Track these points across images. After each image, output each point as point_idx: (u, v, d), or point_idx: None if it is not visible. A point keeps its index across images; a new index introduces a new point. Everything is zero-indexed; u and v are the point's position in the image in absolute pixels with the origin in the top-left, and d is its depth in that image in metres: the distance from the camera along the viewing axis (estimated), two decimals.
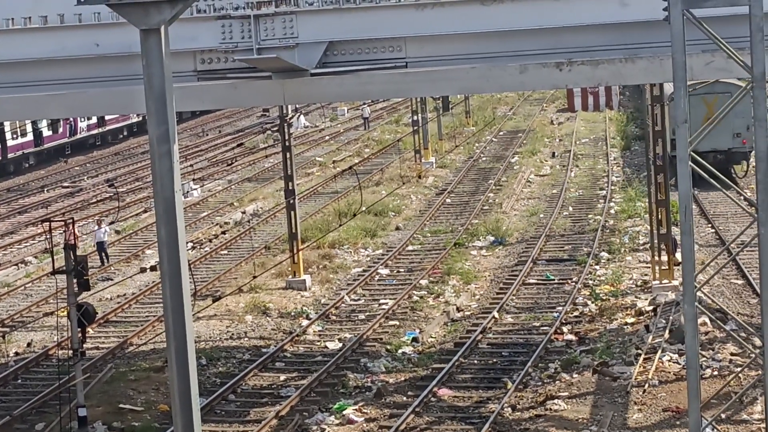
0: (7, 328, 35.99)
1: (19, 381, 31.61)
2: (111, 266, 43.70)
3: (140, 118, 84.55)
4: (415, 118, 63.82)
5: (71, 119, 74.09)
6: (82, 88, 21.76)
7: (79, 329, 27.07)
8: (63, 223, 29.65)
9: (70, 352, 27.18)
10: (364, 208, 45.51)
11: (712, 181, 18.28)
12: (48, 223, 29.48)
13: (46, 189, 64.47)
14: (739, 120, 49.82)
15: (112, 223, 49.79)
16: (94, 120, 78.36)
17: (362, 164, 62.91)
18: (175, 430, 13.74)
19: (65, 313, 28.14)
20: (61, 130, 73.63)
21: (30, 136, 70.27)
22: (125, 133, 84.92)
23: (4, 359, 33.38)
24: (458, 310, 36.71)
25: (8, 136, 66.94)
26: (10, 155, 68.46)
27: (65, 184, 66.02)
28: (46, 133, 71.99)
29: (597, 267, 40.89)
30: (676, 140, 17.52)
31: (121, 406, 28.95)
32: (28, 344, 34.53)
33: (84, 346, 27.75)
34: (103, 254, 44.02)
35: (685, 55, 17.06)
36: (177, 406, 13.86)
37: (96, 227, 44.32)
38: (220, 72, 21.87)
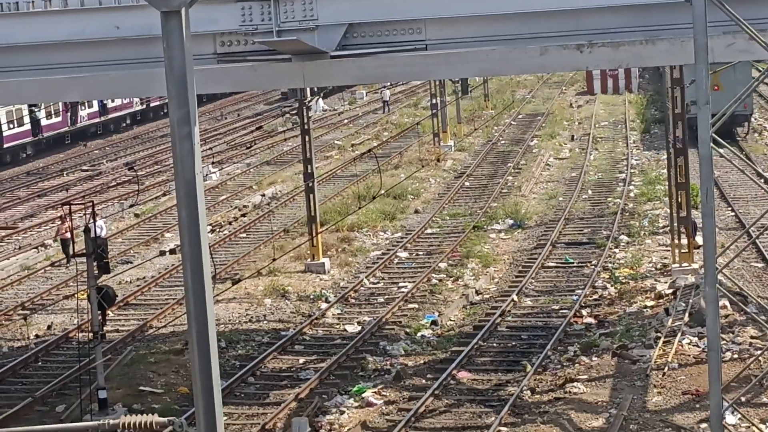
0: (28, 311, 36.14)
1: (40, 363, 31.74)
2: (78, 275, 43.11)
3: (144, 106, 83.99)
4: (434, 101, 63.73)
5: (70, 108, 72.64)
6: (103, 70, 21.76)
7: (99, 312, 27.17)
8: (83, 206, 29.71)
9: (91, 334, 27.29)
10: (383, 192, 45.49)
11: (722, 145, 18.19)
12: (68, 206, 29.61)
13: (65, 172, 64.61)
14: (741, 86, 50.32)
15: (132, 206, 49.92)
16: (95, 108, 76.78)
17: (381, 147, 62.86)
18: (197, 413, 13.72)
19: (85, 296, 28.23)
20: (60, 118, 72.08)
21: (27, 126, 68.35)
22: (128, 122, 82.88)
23: (25, 342, 33.53)
24: (477, 293, 36.68)
25: (5, 126, 65.32)
26: (6, 145, 66.52)
27: (84, 168, 66.15)
28: (45, 122, 70.28)
29: (616, 250, 40.81)
30: (697, 122, 17.43)
31: (141, 388, 29.06)
32: (49, 327, 34.66)
33: (104, 328, 27.85)
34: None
35: (707, 36, 16.98)
36: (198, 389, 13.83)
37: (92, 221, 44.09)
38: (240, 54, 21.85)
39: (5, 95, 23.67)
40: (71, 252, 41.11)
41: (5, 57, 21.72)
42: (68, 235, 41.47)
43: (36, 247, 44.66)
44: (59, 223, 43.01)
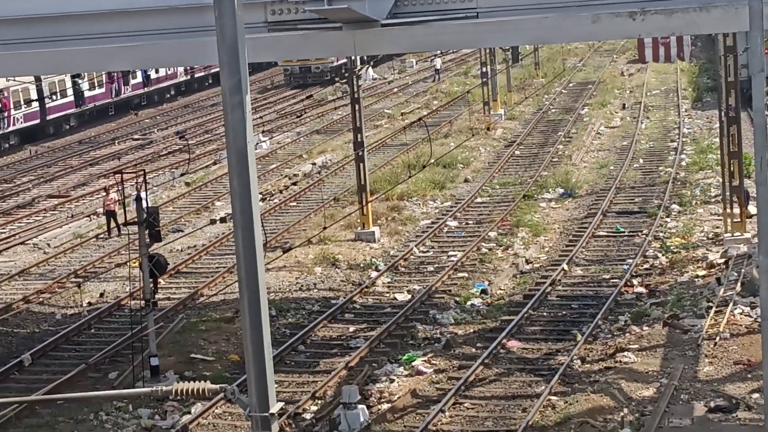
0: (81, 278, 36.44)
1: (93, 330, 32.04)
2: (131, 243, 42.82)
3: (188, 77, 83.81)
4: (485, 69, 63.47)
5: (115, 79, 72.68)
6: (154, 39, 21.80)
7: (150, 280, 27.36)
8: (134, 174, 29.86)
9: (142, 302, 27.50)
10: (432, 160, 45.41)
11: None
12: (120, 174, 29.79)
13: (117, 141, 64.98)
14: None
15: (183, 174, 50.14)
16: (139, 79, 76.64)
17: (431, 116, 62.71)
18: (248, 380, 13.80)
19: (137, 264, 28.43)
20: (104, 90, 71.99)
21: (71, 97, 68.28)
22: (172, 93, 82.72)
23: (78, 309, 33.83)
24: (527, 262, 36.60)
25: (47, 98, 65.21)
26: (49, 117, 66.34)
27: (136, 137, 66.49)
28: (88, 93, 70.12)
29: (668, 219, 40.57)
30: (751, 88, 17.24)
31: (193, 355, 29.25)
32: (101, 294, 34.95)
33: (155, 296, 28.05)
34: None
35: (762, 2, 16.77)
36: (250, 356, 13.90)
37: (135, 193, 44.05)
38: (291, 23, 21.82)
39: (57, 64, 23.78)
40: (116, 224, 41.59)
41: (57, 27, 21.81)
42: (112, 206, 41.78)
43: (88, 216, 44.99)
44: (104, 195, 43.24)
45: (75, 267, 38.19)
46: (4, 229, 45.46)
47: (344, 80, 42.55)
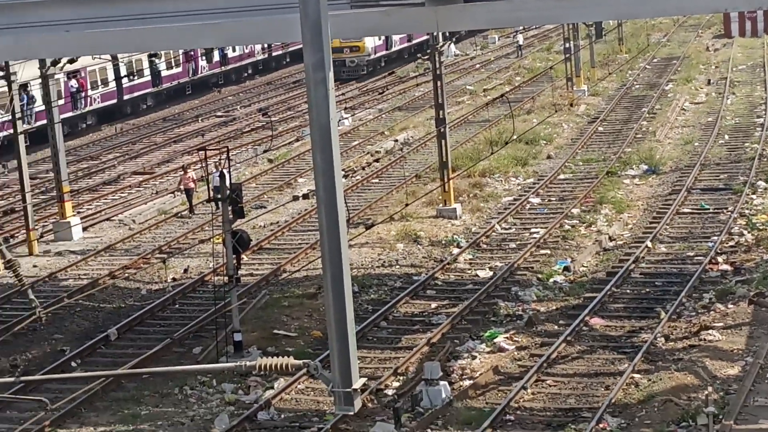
0: (165, 254, 36.83)
1: (177, 306, 32.37)
2: (214, 219, 42.79)
3: (266, 56, 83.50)
4: (567, 45, 62.99)
5: (192, 58, 72.34)
6: (239, 17, 21.89)
7: (234, 256, 27.58)
8: (218, 151, 30.04)
9: (226, 278, 27.73)
10: (515, 137, 45.19)
11: None
12: (203, 151, 30.03)
13: (200, 118, 65.45)
14: None
15: (266, 151, 50.41)
16: (216, 59, 76.05)
17: (513, 92, 62.42)
18: (331, 355, 13.91)
19: (221, 240, 28.66)
20: (180, 69, 71.39)
21: (148, 77, 67.98)
22: (249, 71, 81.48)
23: (163, 285, 34.20)
24: (610, 239, 36.33)
25: (125, 78, 65.06)
26: (126, 97, 66.31)
27: (219, 114, 66.91)
28: (165, 73, 69.67)
29: (754, 196, 40.04)
30: None
31: (275, 331, 29.45)
32: (185, 270, 35.28)
33: (239, 272, 28.26)
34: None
35: None
36: (333, 332, 14.02)
37: (214, 171, 43.79)
38: (374, 0, 21.81)
39: (143, 42, 23.98)
40: (189, 204, 41.83)
41: (146, 4, 21.97)
42: (191, 185, 42.06)
43: (172, 192, 45.41)
44: (182, 173, 43.59)
45: (159, 243, 38.61)
46: (90, 205, 46.07)
47: (426, 57, 42.44)
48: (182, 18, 22.16)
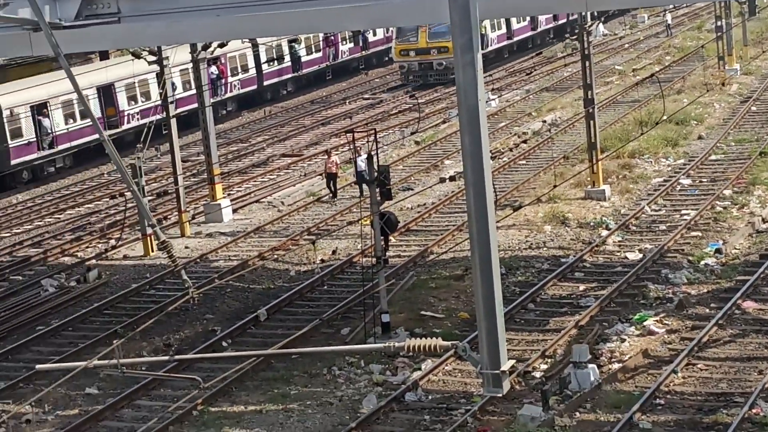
0: (314, 236, 37.20)
1: (326, 287, 32.67)
2: (362, 201, 42.09)
3: None
4: (719, 23, 61.72)
5: (333, 43, 71.70)
6: None
7: (381, 237, 27.72)
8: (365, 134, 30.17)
9: (374, 259, 27.89)
10: (665, 117, 44.44)
11: None
12: (351, 134, 30.22)
13: (347, 101, 65.83)
14: None
15: (413, 133, 50.51)
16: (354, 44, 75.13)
17: (663, 72, 61.38)
18: (479, 337, 13.89)
19: (369, 221, 28.82)
20: (320, 54, 71.15)
21: (288, 62, 67.65)
22: (390, 56, 78.14)
23: (311, 266, 34.54)
24: (764, 221, 35.53)
25: (264, 64, 64.98)
26: (266, 82, 66.09)
27: (366, 96, 67.19)
28: (305, 58, 69.35)
29: None
30: None
31: (423, 312, 29.53)
32: (333, 252, 35.58)
33: (387, 254, 28.39)
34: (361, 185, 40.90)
35: None
36: (481, 314, 14.00)
37: (357, 155, 43.60)
38: None
39: (294, 24, 24.15)
40: (333, 188, 42.02)
41: None
42: (334, 169, 42.25)
43: (320, 174, 45.79)
44: (325, 157, 43.68)
45: (308, 225, 39.01)
46: (240, 187, 46.77)
47: (574, 36, 42.04)
48: (330, 0, 22.27)
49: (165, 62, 39.03)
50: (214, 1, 22.40)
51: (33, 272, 36.81)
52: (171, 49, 38.80)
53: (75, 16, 22.41)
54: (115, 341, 17.63)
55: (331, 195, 42.57)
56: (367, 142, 28.12)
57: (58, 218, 44.21)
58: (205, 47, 40.23)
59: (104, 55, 59.45)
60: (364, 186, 39.44)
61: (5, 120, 48.71)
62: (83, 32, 22.89)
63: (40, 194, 49.20)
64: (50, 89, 49.15)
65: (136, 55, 39.44)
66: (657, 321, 27.57)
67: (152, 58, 39.01)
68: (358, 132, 32.13)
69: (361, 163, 41.09)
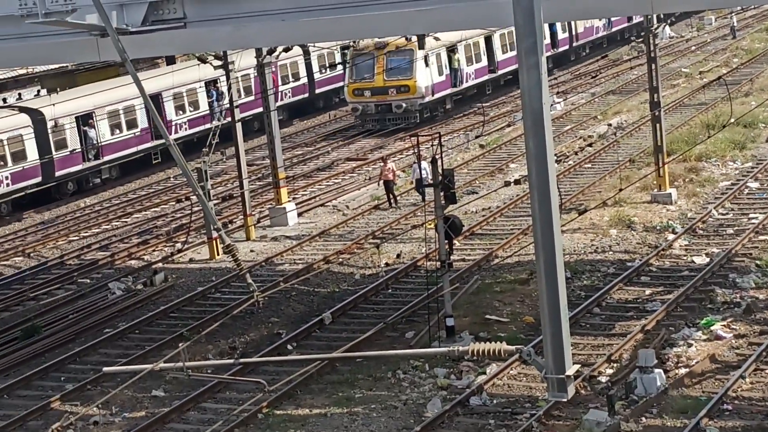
0: (378, 239, 37.25)
1: (390, 291, 32.70)
2: (426, 205, 40.53)
3: None
4: None
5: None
6: (448, 2, 21.88)
7: (446, 241, 27.68)
8: (430, 137, 30.19)
9: (438, 263, 27.85)
10: (732, 120, 44.04)
11: None
12: (416, 137, 30.23)
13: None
14: None
15: (477, 137, 50.43)
16: None
17: (731, 74, 60.87)
18: (544, 341, 13.84)
19: (433, 225, 28.80)
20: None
21: (340, 70, 64.29)
22: None
23: (376, 270, 34.58)
24: None
25: (317, 72, 63.45)
26: (318, 90, 64.52)
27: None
28: None
29: None
30: None
31: (487, 316, 29.47)
32: (398, 255, 35.60)
33: (451, 257, 28.35)
34: (423, 192, 40.12)
35: None
36: (546, 318, 13.94)
37: (415, 163, 42.43)
38: None
39: (358, 29, 24.22)
40: (392, 195, 41.81)
41: None
42: (390, 176, 42.02)
43: (376, 182, 45.79)
44: (381, 164, 43.38)
45: (372, 228, 39.06)
46: (305, 191, 46.93)
47: (640, 39, 41.76)
48: (393, 5, 22.28)
49: (230, 66, 39.26)
50: (279, 6, 22.48)
51: (100, 275, 37.21)
52: (236, 54, 39.04)
53: (141, 22, 22.58)
54: (181, 344, 17.80)
55: (391, 203, 42.14)
56: (431, 145, 28.10)
57: (125, 222, 44.65)
58: (270, 51, 40.43)
59: (171, 60, 59.87)
60: (428, 192, 39.44)
61: (50, 131, 48.40)
62: (149, 37, 23.07)
63: (106, 198, 49.75)
64: (95, 99, 49.30)
65: (202, 60, 39.74)
66: (724, 325, 27.31)
67: (218, 62, 39.26)
68: (422, 135, 32.16)
69: (422, 171, 40.90)
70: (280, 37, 25.82)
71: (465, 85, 61.29)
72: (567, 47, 73.95)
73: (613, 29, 79.89)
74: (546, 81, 13.40)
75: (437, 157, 27.32)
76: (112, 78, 53.80)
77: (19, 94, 61.23)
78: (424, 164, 40.60)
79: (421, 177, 40.74)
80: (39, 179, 48.09)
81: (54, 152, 48.57)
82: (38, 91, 58.91)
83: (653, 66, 38.72)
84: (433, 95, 57.45)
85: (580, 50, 76.84)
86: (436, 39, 56.85)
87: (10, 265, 39.60)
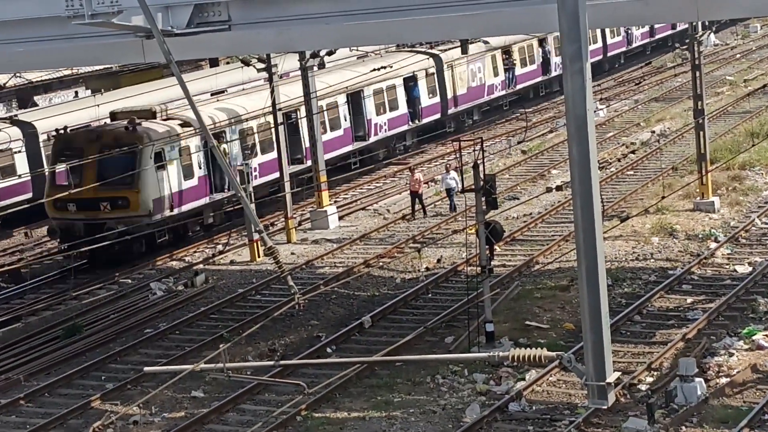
0: (419, 244, 37.23)
1: (430, 295, 32.68)
2: (457, 216, 40.10)
3: None
4: None
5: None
6: (495, 7, 21.88)
7: (487, 247, 27.64)
8: (472, 142, 30.14)
9: (479, 268, 27.82)
10: None
11: None
12: (458, 142, 30.22)
13: None
14: None
15: (519, 142, 50.37)
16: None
17: None
18: (585, 348, 13.80)
19: (474, 230, 28.77)
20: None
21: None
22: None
23: (416, 274, 34.58)
24: None
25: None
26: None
27: None
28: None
29: None
30: None
31: (527, 323, 29.40)
32: (438, 260, 35.58)
33: (492, 263, 28.31)
34: (452, 202, 41.21)
35: None
36: (586, 325, 13.91)
37: (444, 173, 42.32)
38: None
39: (403, 33, 24.26)
40: (421, 206, 41.07)
41: None
42: (417, 187, 41.47)
43: (426, 183, 45.80)
44: (409, 175, 42.75)
45: (413, 233, 39.05)
46: (346, 194, 47.00)
47: (684, 46, 41.57)
48: (438, 9, 22.29)
49: (274, 69, 39.38)
50: (323, 9, 22.56)
51: (142, 276, 37.37)
52: (279, 56, 39.16)
53: (186, 24, 22.72)
54: (221, 345, 17.86)
55: (414, 214, 41.10)
56: (473, 150, 28.07)
57: None
58: (314, 55, 40.53)
59: (214, 62, 60.12)
60: (456, 202, 39.15)
61: (41, 144, 44.27)
62: (194, 39, 23.21)
63: None
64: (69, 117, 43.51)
65: (246, 63, 39.89)
66: (766, 335, 27.11)
67: (261, 65, 39.39)
68: (464, 140, 32.10)
69: (451, 182, 40.82)
70: (324, 41, 25.90)
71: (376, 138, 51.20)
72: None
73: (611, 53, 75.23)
74: (590, 87, 13.36)
75: (479, 162, 27.26)
76: (155, 80, 53.86)
77: (76, 92, 60.93)
78: (453, 174, 40.57)
79: (449, 188, 40.93)
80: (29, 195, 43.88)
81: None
82: (76, 92, 58.24)
83: (697, 73, 38.54)
84: (172, 210, 38.81)
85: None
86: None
87: (51, 265, 39.79)
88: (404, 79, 51.82)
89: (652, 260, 33.95)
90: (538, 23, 23.23)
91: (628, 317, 29.07)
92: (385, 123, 51.03)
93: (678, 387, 23.73)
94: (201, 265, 37.75)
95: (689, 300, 30.29)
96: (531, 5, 21.37)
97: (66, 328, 32.22)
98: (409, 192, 42.30)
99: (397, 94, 51.65)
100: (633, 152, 48.29)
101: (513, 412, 24.10)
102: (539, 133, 54.97)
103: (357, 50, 55.42)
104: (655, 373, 25.48)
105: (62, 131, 39.34)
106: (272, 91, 39.77)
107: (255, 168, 40.93)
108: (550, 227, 38.41)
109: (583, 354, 14.92)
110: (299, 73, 41.44)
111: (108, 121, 41.45)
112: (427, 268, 35.04)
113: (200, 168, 40.20)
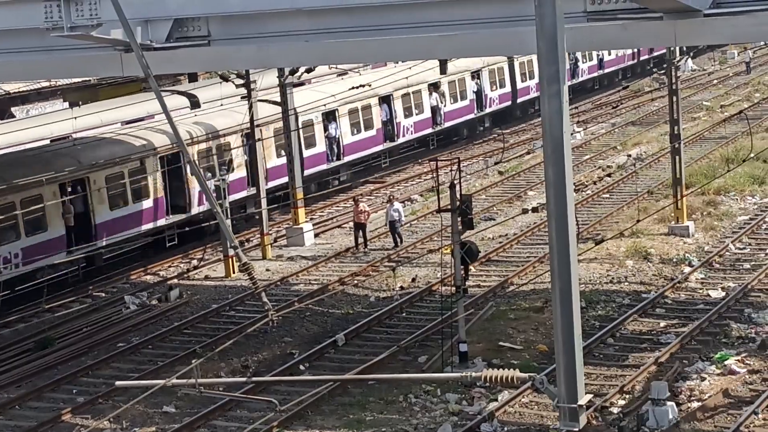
0: (394, 263, 37.24)
1: (404, 314, 32.68)
2: (402, 250, 39.09)
3: None
4: None
5: None
6: (472, 29, 21.94)
7: (462, 267, 27.67)
8: (449, 162, 30.16)
9: (453, 288, 27.84)
10: (752, 155, 44.01)
11: None
12: (435, 161, 30.25)
13: None
14: None
15: (497, 163, 50.41)
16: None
17: (752, 109, 60.80)
18: (557, 370, 13.81)
19: (449, 250, 28.80)
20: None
21: None
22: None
23: (391, 293, 34.58)
24: None
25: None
26: None
27: None
28: None
29: None
30: None
31: (501, 343, 29.43)
32: (413, 279, 35.59)
33: (466, 283, 28.34)
34: (396, 235, 39.75)
35: None
36: (560, 347, 13.92)
37: (387, 204, 40.87)
38: (611, 12, 21.47)
39: (381, 52, 24.30)
40: (363, 239, 39.65)
41: (382, 15, 22.24)
42: (362, 219, 39.85)
43: (402, 202, 45.80)
44: (353, 205, 40.83)
45: (388, 251, 39.03)
46: (322, 212, 46.98)
47: (662, 71, 41.77)
48: (416, 29, 22.34)
49: (252, 86, 39.39)
50: (303, 27, 22.59)
51: (115, 289, 37.26)
52: (258, 73, 39.16)
53: (166, 38, 22.71)
54: (193, 361, 17.78)
55: (358, 246, 39.63)
56: (450, 170, 28.13)
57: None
58: (293, 72, 40.56)
59: (193, 77, 60.04)
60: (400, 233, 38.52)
61: None
62: (173, 54, 23.19)
63: None
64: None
65: (224, 78, 39.89)
66: (738, 360, 27.21)
67: (240, 81, 39.41)
68: (441, 160, 32.13)
69: (394, 213, 39.83)
70: (303, 58, 25.94)
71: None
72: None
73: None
74: (567, 109, 13.42)
75: (455, 182, 27.32)
76: (134, 93, 53.52)
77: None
78: (397, 205, 40.05)
79: (392, 219, 39.94)
80: None
81: None
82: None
83: (674, 98, 38.72)
84: None
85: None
86: None
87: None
88: None
89: (626, 283, 34.04)
90: (514, 45, 23.31)
91: (602, 340, 29.12)
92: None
93: (650, 410, 23.78)
94: (175, 280, 37.67)
95: (662, 324, 30.38)
96: (508, 27, 21.44)
97: (38, 340, 32.08)
98: (353, 223, 40.68)
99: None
100: (609, 175, 48.47)
101: None
102: (516, 155, 55.10)
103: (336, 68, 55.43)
104: (627, 397, 25.54)
105: None
106: (250, 108, 39.76)
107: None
108: (526, 248, 38.47)
109: (556, 376, 14.95)
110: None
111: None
112: (402, 287, 35.05)
113: None
